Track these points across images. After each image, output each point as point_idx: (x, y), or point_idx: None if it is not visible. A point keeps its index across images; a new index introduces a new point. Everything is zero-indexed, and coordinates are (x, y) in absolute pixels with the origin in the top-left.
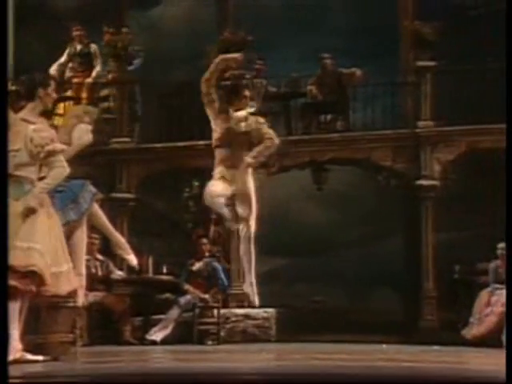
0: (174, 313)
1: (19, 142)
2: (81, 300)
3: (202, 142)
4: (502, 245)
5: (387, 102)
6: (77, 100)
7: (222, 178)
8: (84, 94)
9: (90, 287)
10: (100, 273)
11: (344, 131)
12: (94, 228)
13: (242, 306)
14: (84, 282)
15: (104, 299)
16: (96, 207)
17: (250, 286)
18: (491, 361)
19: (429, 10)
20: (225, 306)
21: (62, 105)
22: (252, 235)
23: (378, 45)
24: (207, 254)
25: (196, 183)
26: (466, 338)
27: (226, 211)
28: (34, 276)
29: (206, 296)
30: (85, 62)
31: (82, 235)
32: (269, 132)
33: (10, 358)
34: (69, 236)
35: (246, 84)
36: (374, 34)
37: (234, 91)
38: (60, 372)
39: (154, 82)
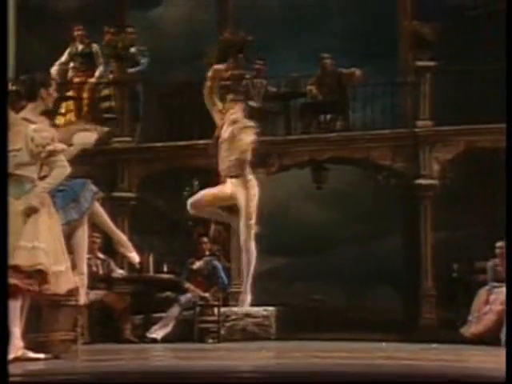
0: (175, 311)
1: (20, 142)
2: (82, 298)
3: (202, 142)
4: (500, 243)
5: (386, 101)
6: (78, 100)
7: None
8: (85, 94)
9: (91, 285)
10: (101, 271)
11: (343, 131)
12: (95, 227)
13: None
14: (85, 281)
15: (105, 297)
16: (97, 206)
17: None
18: (490, 358)
19: (428, 11)
20: (225, 305)
21: (64, 104)
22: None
23: (377, 45)
24: (207, 252)
25: (196, 182)
26: (465, 336)
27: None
28: (38, 275)
29: (207, 294)
30: (86, 61)
31: (83, 234)
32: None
33: (12, 355)
34: (70, 235)
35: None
36: (373, 34)
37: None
38: (61, 370)
39: (154, 82)
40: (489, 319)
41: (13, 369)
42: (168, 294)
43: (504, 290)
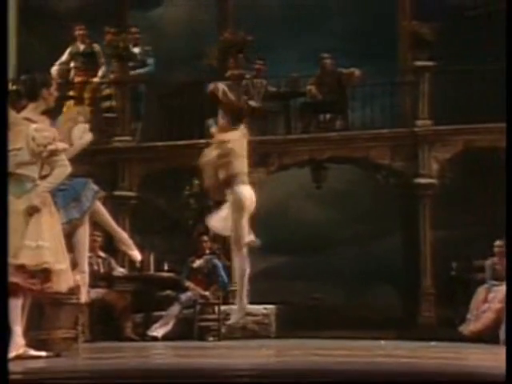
0: (175, 309)
1: (21, 141)
2: (83, 297)
3: (202, 141)
4: (498, 242)
5: (386, 101)
6: (79, 100)
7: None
8: (87, 94)
9: (92, 284)
10: (102, 270)
11: (343, 130)
12: (96, 225)
13: None
14: (87, 280)
15: (106, 296)
16: (99, 205)
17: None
18: (488, 356)
19: (427, 11)
20: (225, 303)
21: (66, 104)
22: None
23: (376, 45)
24: (208, 251)
25: (196, 181)
26: (464, 334)
27: None
28: (42, 274)
29: (207, 293)
30: (87, 61)
31: (84, 233)
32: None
33: (13, 353)
34: (71, 234)
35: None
36: (373, 34)
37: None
38: (62, 368)
39: (154, 82)
40: (487, 317)
41: (14, 367)
42: (168, 292)
43: (503, 288)
